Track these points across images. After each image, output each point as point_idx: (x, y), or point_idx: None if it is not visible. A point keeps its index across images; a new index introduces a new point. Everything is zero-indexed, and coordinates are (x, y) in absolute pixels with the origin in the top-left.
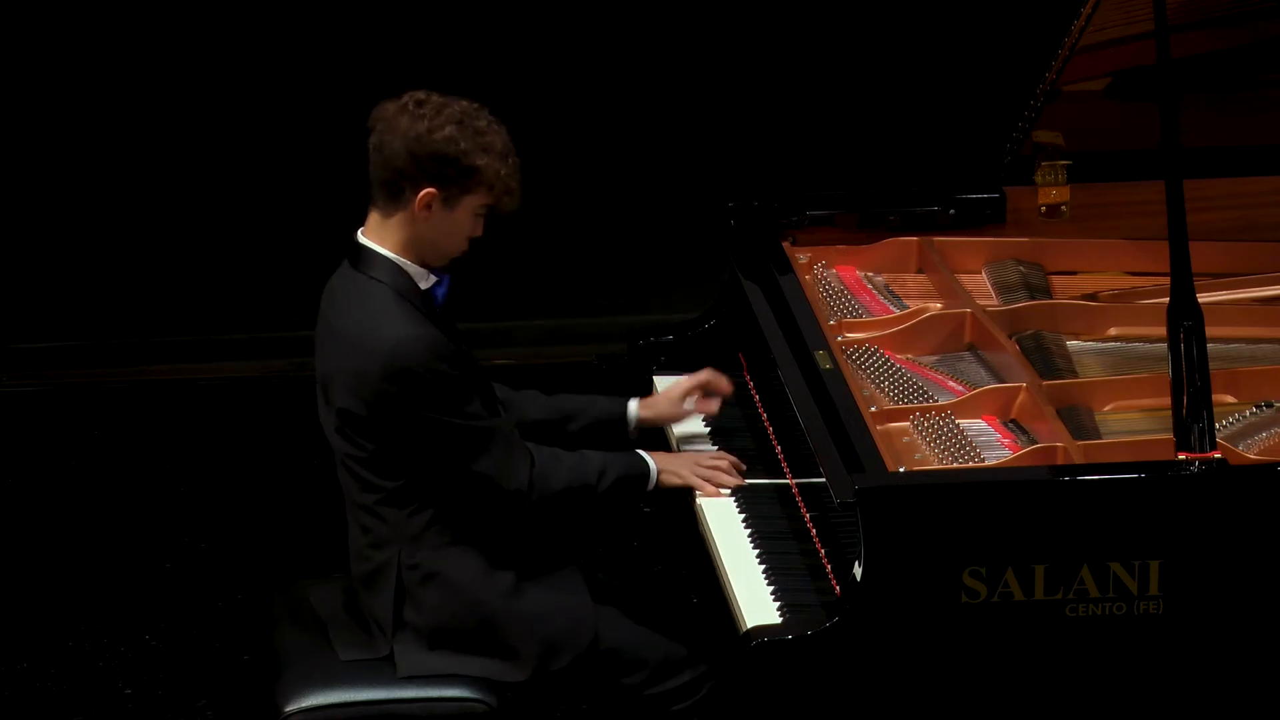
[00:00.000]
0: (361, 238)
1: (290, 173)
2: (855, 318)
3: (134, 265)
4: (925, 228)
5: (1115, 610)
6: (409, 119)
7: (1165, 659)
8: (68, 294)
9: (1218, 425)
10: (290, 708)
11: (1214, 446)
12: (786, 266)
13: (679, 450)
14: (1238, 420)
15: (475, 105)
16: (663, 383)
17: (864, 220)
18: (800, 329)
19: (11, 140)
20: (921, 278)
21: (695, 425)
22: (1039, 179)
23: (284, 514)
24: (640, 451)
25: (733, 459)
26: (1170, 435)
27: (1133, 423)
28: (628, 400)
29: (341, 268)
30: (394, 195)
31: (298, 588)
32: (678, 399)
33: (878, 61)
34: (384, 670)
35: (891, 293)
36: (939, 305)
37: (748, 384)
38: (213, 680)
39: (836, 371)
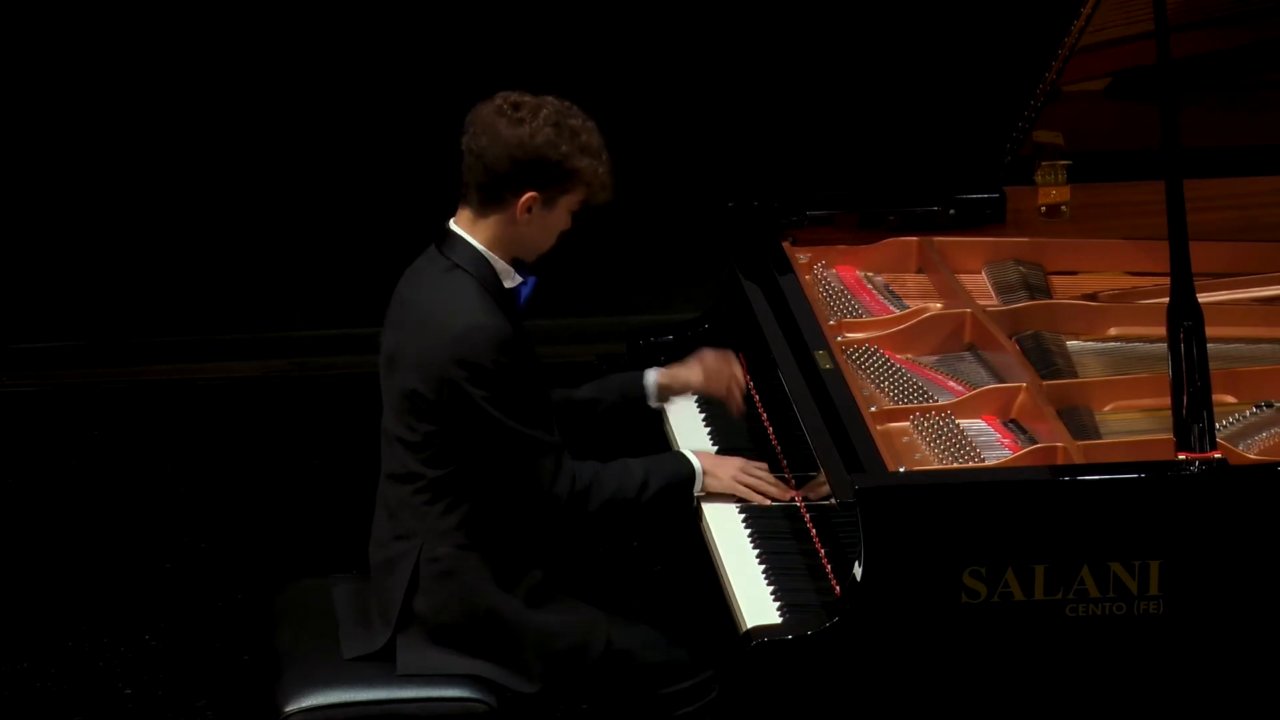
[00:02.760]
0: (453, 225)
1: (290, 173)
2: (855, 318)
3: (134, 265)
4: (925, 228)
5: (1115, 610)
6: (508, 124)
7: (1165, 659)
8: (68, 294)
9: (1218, 425)
10: (290, 708)
11: (1214, 446)
12: (786, 266)
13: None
14: (1238, 420)
15: (565, 103)
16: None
17: (864, 220)
18: (800, 329)
19: (11, 140)
20: (921, 278)
21: (695, 423)
22: (1039, 179)
23: (284, 514)
24: (685, 451)
25: (762, 468)
26: (1170, 435)
27: (1133, 423)
28: (644, 374)
29: (428, 251)
30: (492, 198)
31: (298, 588)
32: (688, 389)
33: (878, 62)
34: (384, 670)
35: (891, 293)
36: (939, 305)
37: (748, 384)
38: (213, 680)
39: (836, 371)
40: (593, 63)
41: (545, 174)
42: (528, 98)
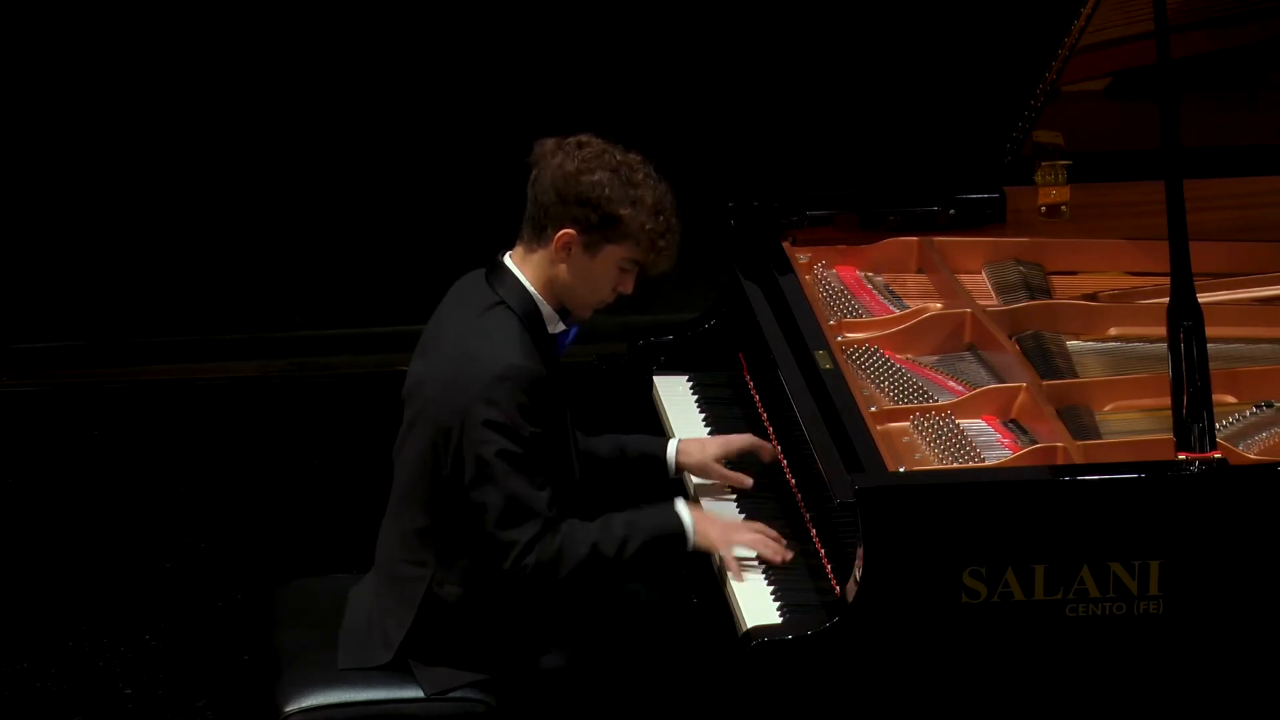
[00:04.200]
0: (506, 259)
1: (290, 173)
2: (855, 318)
3: (134, 265)
4: (925, 228)
5: (1115, 610)
6: (563, 157)
7: (1165, 659)
8: (68, 294)
9: (1218, 425)
10: (290, 708)
11: (1214, 446)
12: (786, 266)
13: (678, 446)
14: (1238, 420)
15: (638, 158)
16: (663, 383)
17: (864, 220)
18: (800, 329)
19: (11, 140)
20: (921, 278)
21: (695, 424)
22: (1039, 179)
23: (284, 514)
24: (678, 504)
25: (775, 534)
26: (1170, 435)
27: (1133, 423)
28: (669, 441)
29: (474, 277)
30: (538, 232)
31: (298, 587)
32: (713, 459)
33: (878, 61)
34: (383, 670)
35: (891, 293)
36: (939, 305)
37: (748, 384)
38: (213, 680)
39: (836, 371)
40: (594, 63)
41: (586, 214)
42: (598, 142)
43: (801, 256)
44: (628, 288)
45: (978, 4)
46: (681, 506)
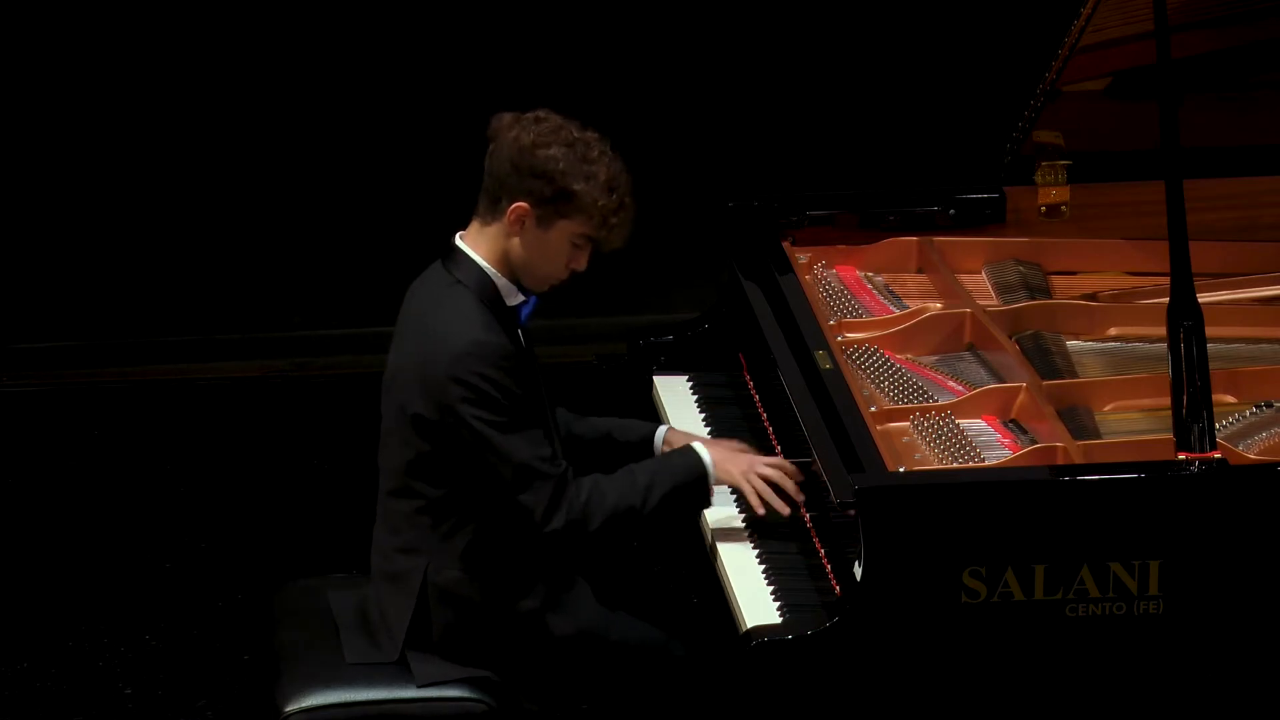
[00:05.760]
0: (458, 240)
1: (290, 173)
2: (855, 318)
3: (134, 265)
4: (925, 228)
5: (1115, 610)
6: (519, 130)
7: (1165, 659)
8: (68, 294)
9: (1218, 425)
10: (290, 708)
11: (1214, 446)
12: (786, 266)
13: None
14: (1238, 420)
15: (595, 135)
16: (663, 383)
17: (864, 220)
18: (800, 329)
19: (11, 140)
20: (921, 278)
21: (695, 424)
22: (1039, 179)
23: (284, 514)
24: (695, 446)
25: (792, 469)
26: (1170, 435)
27: (1133, 423)
28: (658, 428)
29: (433, 266)
30: (492, 204)
31: (298, 588)
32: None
33: (878, 61)
34: (384, 670)
35: (891, 293)
36: (939, 305)
37: (748, 384)
38: (213, 680)
39: (836, 371)
40: (594, 63)
41: (540, 188)
42: (556, 117)
43: (801, 256)
44: (580, 264)
45: (978, 4)
46: (699, 445)
